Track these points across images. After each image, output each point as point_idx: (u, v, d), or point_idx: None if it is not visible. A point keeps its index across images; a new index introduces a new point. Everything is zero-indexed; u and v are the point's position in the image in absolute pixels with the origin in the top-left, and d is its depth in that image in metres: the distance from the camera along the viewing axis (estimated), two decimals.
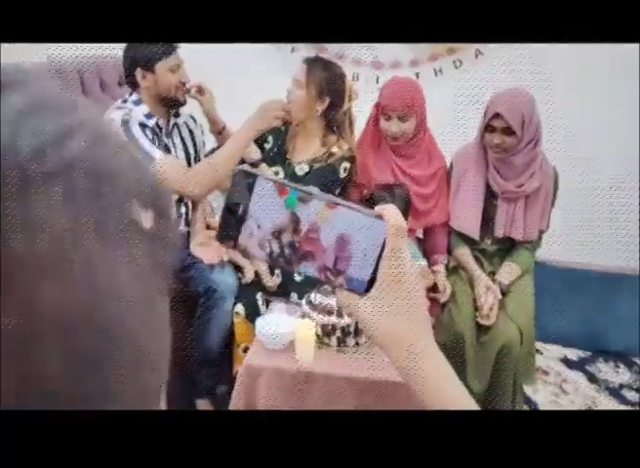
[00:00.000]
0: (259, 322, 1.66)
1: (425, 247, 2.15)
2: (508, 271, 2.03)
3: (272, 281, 1.97)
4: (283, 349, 1.60)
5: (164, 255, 0.25)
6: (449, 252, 2.12)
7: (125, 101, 1.93)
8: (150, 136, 1.87)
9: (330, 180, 1.98)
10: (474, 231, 2.06)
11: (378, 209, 0.48)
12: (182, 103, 1.98)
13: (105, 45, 2.19)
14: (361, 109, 2.13)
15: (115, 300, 0.22)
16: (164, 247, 0.25)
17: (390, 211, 0.47)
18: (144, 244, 0.24)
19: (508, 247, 2.11)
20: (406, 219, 1.82)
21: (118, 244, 0.22)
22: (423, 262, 2.04)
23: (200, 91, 2.01)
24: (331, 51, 2.83)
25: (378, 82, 2.74)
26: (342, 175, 2.01)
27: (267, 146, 2.09)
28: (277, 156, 2.05)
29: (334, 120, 2.01)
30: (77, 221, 0.21)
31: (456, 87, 2.70)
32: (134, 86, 1.90)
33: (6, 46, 1.17)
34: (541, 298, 2.06)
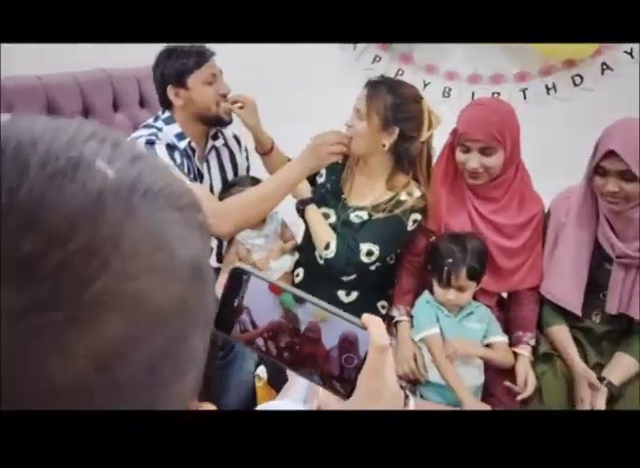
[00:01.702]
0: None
1: (507, 318, 1.68)
2: (622, 366, 1.53)
3: None
4: None
5: None
6: (539, 329, 1.65)
7: (156, 119, 1.71)
8: (179, 160, 1.63)
9: (393, 234, 1.60)
10: (575, 304, 1.59)
11: (364, 318, 0.49)
12: (227, 122, 1.71)
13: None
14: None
15: None
16: None
17: (375, 326, 0.48)
18: None
19: (624, 329, 1.60)
20: (479, 280, 1.40)
21: None
22: (504, 338, 1.59)
23: (239, 102, 1.73)
24: (419, 62, 2.46)
25: (472, 99, 2.36)
26: (411, 227, 1.59)
27: (320, 180, 1.74)
28: (330, 195, 1.68)
29: (405, 155, 1.60)
30: None
31: (572, 110, 2.21)
32: (168, 105, 1.67)
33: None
34: None
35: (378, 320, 0.49)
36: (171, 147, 1.63)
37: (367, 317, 0.49)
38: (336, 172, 1.70)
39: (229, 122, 1.71)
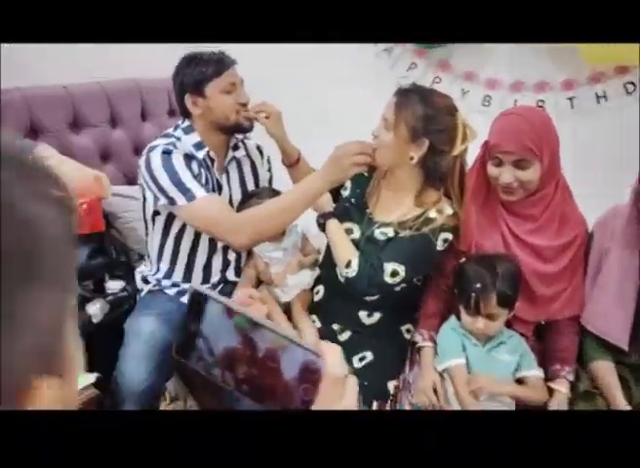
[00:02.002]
0: None
1: (545, 349, 1.54)
2: None
3: None
4: None
5: None
6: (580, 363, 1.50)
7: (176, 128, 1.68)
8: (196, 170, 1.59)
9: (421, 254, 1.47)
10: (621, 337, 1.43)
11: (321, 346, 0.47)
12: (247, 129, 1.65)
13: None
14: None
15: None
16: None
17: (330, 355, 0.46)
18: None
19: None
20: (512, 307, 1.22)
21: None
22: (538, 373, 1.45)
23: (263, 112, 1.66)
24: (457, 69, 2.34)
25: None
26: (440, 247, 1.47)
27: (344, 194, 1.64)
28: (354, 209, 1.58)
29: (435, 170, 1.49)
30: None
31: (625, 120, 2.04)
32: (188, 114, 1.63)
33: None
34: None
35: (335, 348, 0.48)
36: (188, 157, 1.58)
37: (324, 345, 0.48)
38: (361, 185, 1.60)
39: (250, 129, 1.65)
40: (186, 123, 1.66)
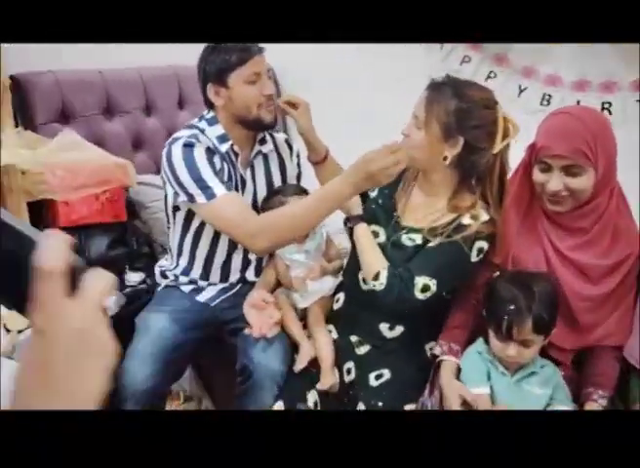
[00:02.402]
0: None
1: (581, 373, 1.39)
2: None
3: (330, 378, 1.46)
4: None
5: None
6: (623, 397, 1.34)
7: (200, 118, 1.63)
8: (219, 165, 1.53)
9: (454, 266, 1.36)
10: None
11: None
12: (269, 125, 1.58)
13: None
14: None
15: None
16: None
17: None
18: None
19: None
20: (548, 334, 1.25)
21: None
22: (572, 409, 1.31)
23: (292, 104, 1.59)
24: (515, 63, 2.18)
25: None
26: (475, 258, 1.35)
27: (372, 195, 1.54)
28: (381, 211, 1.48)
29: (472, 170, 1.38)
30: None
31: None
32: (212, 105, 1.58)
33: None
34: None
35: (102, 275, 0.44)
36: (211, 151, 1.52)
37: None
38: (390, 185, 1.48)
39: (272, 125, 1.58)
40: (211, 114, 1.60)
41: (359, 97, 2.34)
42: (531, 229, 1.39)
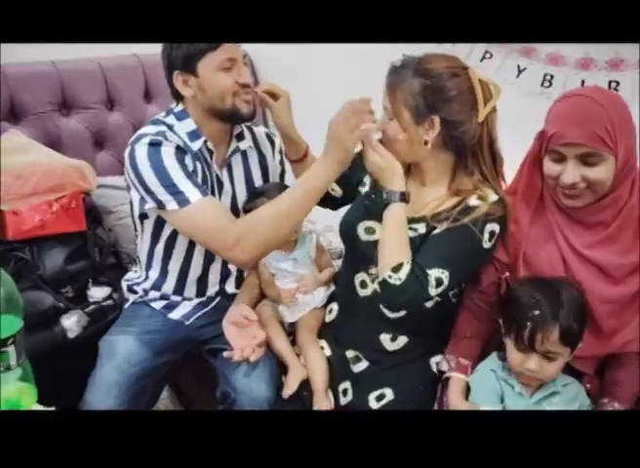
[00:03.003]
0: None
1: (601, 380, 1.30)
2: None
3: (324, 402, 1.33)
4: None
5: None
6: None
7: (168, 113, 1.47)
8: (191, 166, 1.39)
9: (466, 252, 1.25)
10: None
11: None
12: (247, 117, 1.43)
13: None
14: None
15: None
16: None
17: None
18: None
19: None
20: (575, 346, 1.17)
21: None
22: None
23: (272, 94, 1.45)
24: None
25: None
26: (488, 244, 1.25)
27: (363, 190, 1.43)
28: (375, 206, 1.36)
29: (463, 148, 1.28)
30: None
31: None
32: (179, 97, 1.43)
33: None
34: None
35: None
36: (181, 150, 1.38)
37: None
38: None
39: (250, 117, 1.43)
40: (179, 107, 1.46)
41: (347, 89, 2.18)
42: (543, 226, 1.28)
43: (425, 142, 1.25)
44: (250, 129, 1.57)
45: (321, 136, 1.46)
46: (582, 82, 1.99)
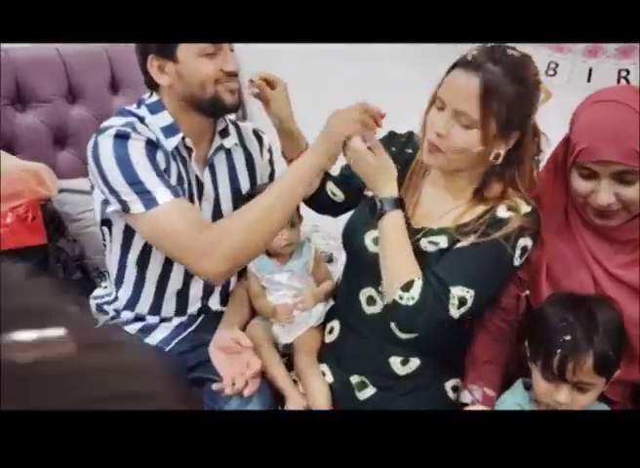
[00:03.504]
0: None
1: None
2: None
3: None
4: None
5: None
6: None
7: (139, 104, 1.32)
8: (163, 163, 1.24)
9: (494, 271, 1.14)
10: None
11: None
12: (231, 107, 1.28)
13: None
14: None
15: None
16: None
17: None
18: None
19: None
20: (611, 376, 1.08)
21: None
22: None
23: (269, 82, 1.31)
24: None
25: (590, 80, 1.89)
26: (519, 261, 1.14)
27: (369, 194, 1.28)
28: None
29: (511, 158, 1.16)
30: None
31: None
32: (154, 86, 1.27)
33: None
34: None
35: None
36: (152, 144, 1.22)
37: None
38: None
39: (235, 108, 1.28)
40: (154, 97, 1.30)
41: (346, 79, 2.03)
42: (568, 241, 1.18)
43: (497, 156, 1.11)
44: (235, 124, 1.43)
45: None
46: (590, 70, 1.91)
